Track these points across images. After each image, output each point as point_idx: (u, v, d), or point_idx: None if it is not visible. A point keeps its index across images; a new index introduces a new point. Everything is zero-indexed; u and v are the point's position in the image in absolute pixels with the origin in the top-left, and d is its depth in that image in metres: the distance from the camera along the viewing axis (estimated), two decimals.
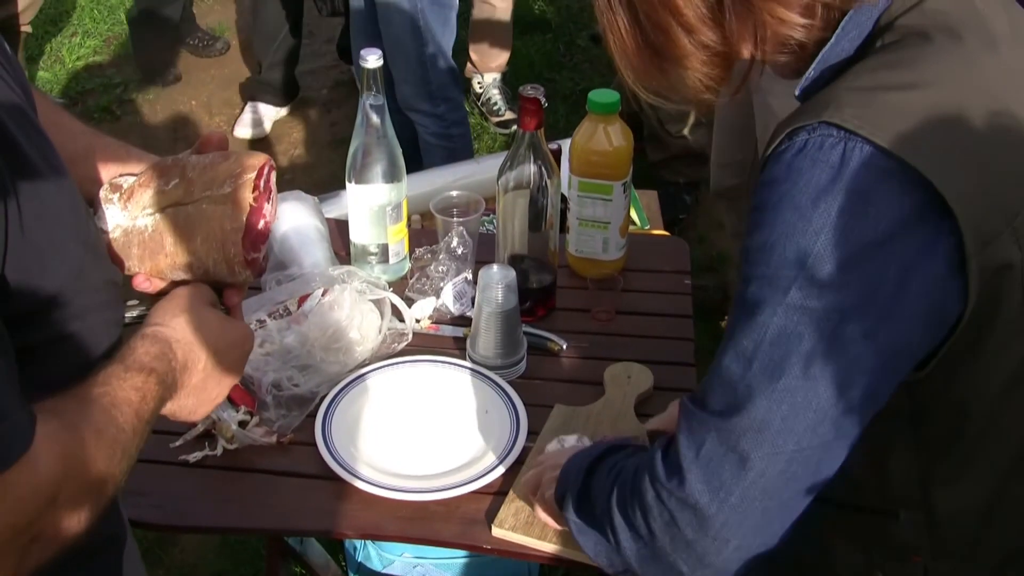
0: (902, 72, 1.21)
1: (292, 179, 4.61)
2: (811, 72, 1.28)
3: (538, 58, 5.31)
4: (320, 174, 4.59)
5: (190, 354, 1.26)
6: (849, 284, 1.15)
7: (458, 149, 3.75)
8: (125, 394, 1.14)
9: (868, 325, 1.15)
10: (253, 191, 1.36)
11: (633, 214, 2.76)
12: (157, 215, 1.39)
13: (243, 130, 4.85)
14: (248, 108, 4.91)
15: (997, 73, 1.25)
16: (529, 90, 1.96)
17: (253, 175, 1.36)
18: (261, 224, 1.38)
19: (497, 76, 4.89)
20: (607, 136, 2.08)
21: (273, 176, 1.42)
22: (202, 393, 1.31)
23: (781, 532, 1.24)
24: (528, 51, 5.38)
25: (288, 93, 4.98)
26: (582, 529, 1.42)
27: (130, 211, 1.39)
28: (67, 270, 1.13)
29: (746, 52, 1.29)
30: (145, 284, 1.41)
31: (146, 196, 1.39)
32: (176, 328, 1.27)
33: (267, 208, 1.40)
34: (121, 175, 1.43)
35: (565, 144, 2.19)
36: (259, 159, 1.39)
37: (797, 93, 1.31)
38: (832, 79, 1.26)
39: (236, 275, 1.38)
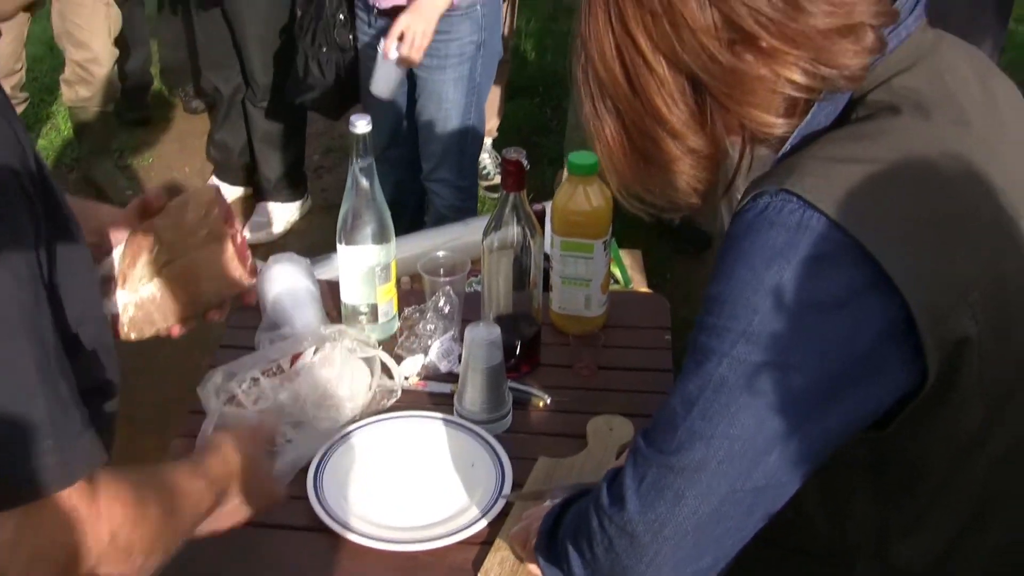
0: (867, 146, 1.27)
1: (285, 244, 4.69)
2: (786, 148, 1.33)
3: (525, 122, 5.41)
4: (313, 239, 4.66)
5: (236, 488, 1.45)
6: (793, 344, 1.21)
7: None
8: (189, 487, 1.26)
9: (808, 384, 1.21)
10: (224, 221, 1.48)
11: (616, 272, 2.83)
12: (156, 280, 1.49)
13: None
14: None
15: (965, 149, 1.30)
16: (511, 153, 2.04)
17: (216, 209, 1.48)
18: (239, 238, 1.53)
19: (488, 141, 4.98)
20: (587, 196, 2.15)
21: (222, 192, 1.58)
22: (217, 520, 1.46)
23: (715, 564, 1.30)
24: (516, 115, 5.47)
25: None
26: (546, 567, 1.48)
27: (130, 287, 1.50)
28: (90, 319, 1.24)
29: (732, 152, 1.35)
30: (178, 331, 1.62)
31: (139, 270, 1.50)
32: (240, 462, 1.45)
33: (236, 224, 1.56)
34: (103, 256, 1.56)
35: (550, 205, 2.27)
36: (209, 192, 1.53)
37: (773, 160, 1.36)
38: (805, 144, 1.31)
39: (244, 285, 1.61)
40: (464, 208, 3.86)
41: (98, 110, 4.88)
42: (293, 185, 4.87)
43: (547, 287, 2.29)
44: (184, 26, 5.27)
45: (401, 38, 3.41)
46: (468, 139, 3.75)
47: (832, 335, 1.21)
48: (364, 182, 2.14)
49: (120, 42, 4.88)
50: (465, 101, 3.57)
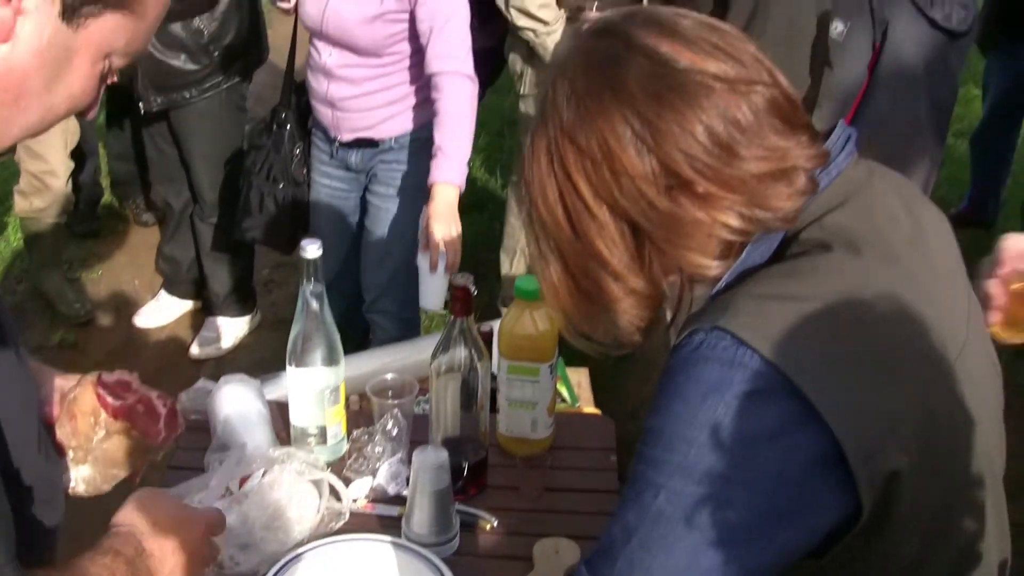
0: (798, 283, 1.33)
1: (234, 359, 4.70)
2: (721, 285, 1.38)
3: (475, 238, 5.47)
4: (262, 353, 4.69)
5: (157, 541, 1.39)
6: (728, 477, 1.25)
7: None
8: (96, 570, 1.25)
9: (744, 517, 1.26)
10: (116, 416, 1.57)
11: (564, 391, 2.87)
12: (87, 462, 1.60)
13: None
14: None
15: (894, 284, 1.36)
16: (459, 279, 2.09)
17: (102, 414, 1.57)
18: (155, 403, 1.60)
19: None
20: (533, 321, 2.20)
21: (107, 377, 1.67)
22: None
23: None
24: (465, 231, 5.51)
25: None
26: None
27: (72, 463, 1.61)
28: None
29: (669, 292, 1.40)
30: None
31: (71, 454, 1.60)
32: (136, 522, 1.40)
33: (141, 393, 1.62)
34: None
35: (498, 324, 2.32)
36: (89, 400, 1.63)
37: (708, 297, 1.41)
38: (741, 280, 1.36)
39: (166, 447, 1.73)
40: (406, 338, 3.80)
41: (52, 221, 4.90)
42: (242, 300, 4.90)
43: (494, 409, 2.32)
44: (133, 139, 5.32)
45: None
46: (413, 273, 3.78)
47: (765, 468, 1.25)
48: (315, 305, 2.17)
49: (75, 154, 4.92)
50: (413, 233, 3.63)
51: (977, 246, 5.31)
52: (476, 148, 6.37)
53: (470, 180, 6.02)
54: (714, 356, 1.27)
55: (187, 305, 5.07)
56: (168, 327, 5.03)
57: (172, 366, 4.73)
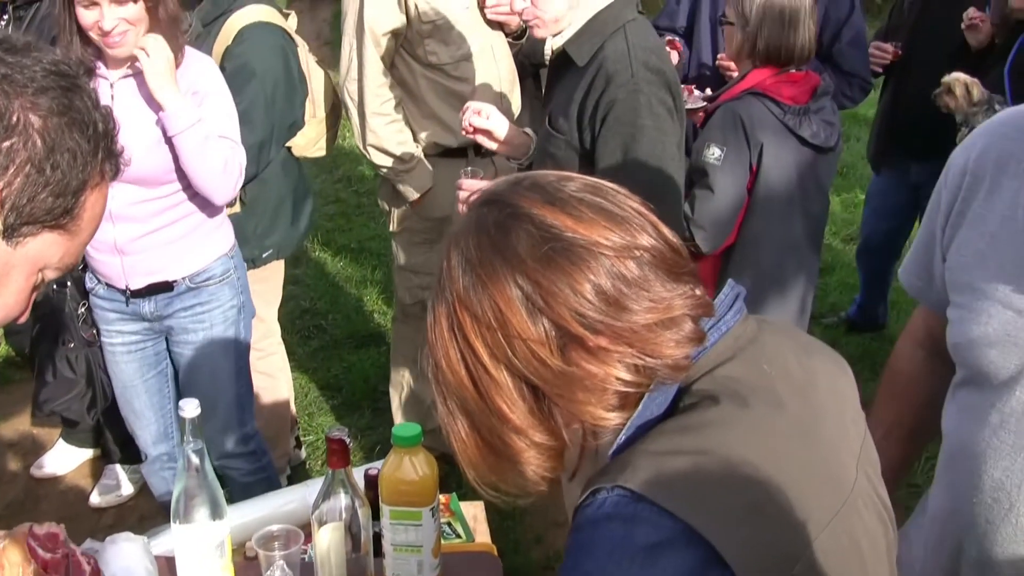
0: (692, 437, 1.39)
1: (136, 505, 4.70)
2: (621, 439, 1.43)
3: (372, 372, 5.53)
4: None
5: None
6: None
7: (271, 477, 3.87)
8: None
9: None
10: (46, 568, 1.61)
11: (459, 527, 2.90)
12: None
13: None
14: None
15: (781, 433, 1.43)
16: (334, 432, 2.14)
17: (31, 565, 1.62)
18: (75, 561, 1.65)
19: None
20: (413, 466, 2.25)
21: (38, 529, 1.70)
22: None
23: None
24: (363, 365, 5.59)
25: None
26: None
27: None
28: None
29: (574, 444, 1.45)
30: None
31: None
32: None
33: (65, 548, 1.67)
34: None
35: None
36: (18, 551, 1.65)
37: (609, 454, 1.45)
38: (639, 437, 1.42)
39: None
40: (261, 468, 3.85)
41: None
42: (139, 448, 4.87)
43: (379, 553, 2.36)
44: None
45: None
46: (246, 407, 3.77)
47: None
48: (196, 461, 2.20)
49: None
50: (236, 367, 3.64)
51: (869, 350, 5.49)
52: (372, 282, 6.51)
53: (366, 314, 6.14)
54: (616, 513, 1.34)
55: (86, 454, 5.03)
56: (68, 476, 4.99)
57: (74, 516, 4.68)
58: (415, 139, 4.29)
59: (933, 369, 2.19)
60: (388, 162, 4.25)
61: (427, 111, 4.23)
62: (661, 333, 1.40)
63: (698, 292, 1.47)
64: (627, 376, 1.40)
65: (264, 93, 3.83)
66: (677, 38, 4.92)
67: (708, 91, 4.56)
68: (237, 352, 3.71)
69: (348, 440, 2.14)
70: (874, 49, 5.26)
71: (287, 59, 4.06)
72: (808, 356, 1.58)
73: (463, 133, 3.48)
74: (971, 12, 4.99)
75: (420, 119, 4.26)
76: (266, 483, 3.75)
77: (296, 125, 4.23)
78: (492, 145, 3.45)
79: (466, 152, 4.28)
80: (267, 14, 4.04)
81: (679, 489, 1.33)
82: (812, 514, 1.39)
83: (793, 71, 3.73)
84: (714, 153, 3.59)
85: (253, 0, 4.05)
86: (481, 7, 4.22)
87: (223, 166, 3.38)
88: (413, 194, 4.31)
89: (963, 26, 5.01)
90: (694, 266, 1.49)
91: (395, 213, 4.46)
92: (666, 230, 1.48)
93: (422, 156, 4.28)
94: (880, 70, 5.30)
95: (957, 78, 4.79)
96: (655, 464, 1.36)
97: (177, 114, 3.26)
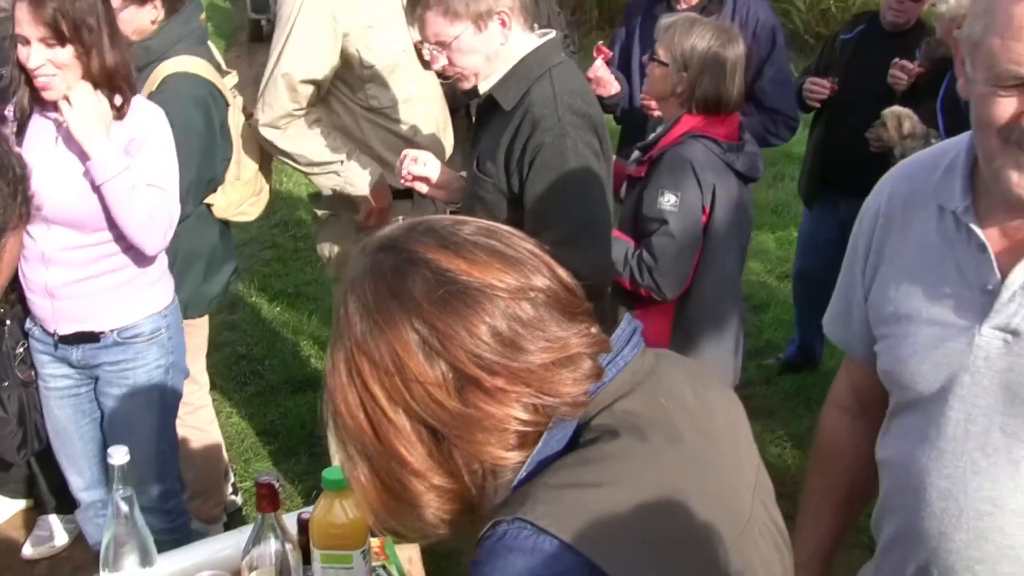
0: (591, 470, 1.41)
1: (70, 556, 4.65)
2: (523, 473, 1.45)
3: (309, 417, 5.50)
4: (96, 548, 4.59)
5: None
6: None
7: (181, 540, 3.82)
8: None
9: None
10: None
11: (394, 570, 2.90)
12: None
13: None
14: None
15: (678, 465, 1.46)
16: (264, 477, 2.14)
17: None
18: None
19: None
20: (343, 509, 2.25)
21: None
22: None
23: None
24: (299, 410, 5.57)
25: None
26: None
27: None
28: None
29: (474, 485, 1.46)
30: None
31: None
32: None
33: None
34: None
35: None
36: None
37: (511, 487, 1.46)
38: (540, 471, 1.44)
39: None
40: (174, 528, 3.82)
41: None
42: (73, 497, 4.81)
43: None
44: None
45: None
46: (166, 464, 3.76)
47: None
48: (125, 509, 2.20)
49: None
50: (159, 425, 3.62)
51: (804, 386, 5.55)
52: (309, 327, 6.49)
53: (302, 359, 6.13)
54: (516, 546, 1.35)
55: (19, 504, 4.95)
56: (0, 528, 4.92)
57: (5, 568, 4.61)
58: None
59: (859, 430, 2.26)
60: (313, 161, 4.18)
61: (372, 154, 4.21)
62: (558, 372, 1.43)
63: (594, 330, 1.50)
64: (525, 416, 1.41)
65: (180, 144, 3.72)
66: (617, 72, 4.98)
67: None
68: (161, 410, 3.68)
69: (278, 485, 2.14)
70: (811, 84, 5.34)
71: (208, 112, 4.01)
72: (704, 388, 1.62)
73: (401, 182, 3.50)
74: (897, 63, 5.08)
75: (366, 162, 4.22)
76: (176, 545, 3.74)
77: (215, 181, 4.18)
78: (432, 191, 3.47)
79: (411, 193, 4.27)
80: (196, 66, 4.02)
81: (579, 523, 1.35)
82: (709, 545, 1.42)
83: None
84: (669, 200, 3.60)
85: (188, 49, 4.04)
86: (417, 48, 4.24)
87: (148, 215, 3.36)
88: (364, 189, 4.18)
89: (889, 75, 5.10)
90: (589, 305, 1.52)
91: (333, 259, 4.44)
92: (561, 271, 1.51)
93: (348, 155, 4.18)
94: (817, 104, 5.37)
95: (892, 111, 4.87)
96: (555, 497, 1.38)
97: (103, 163, 3.25)
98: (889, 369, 2.02)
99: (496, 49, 3.09)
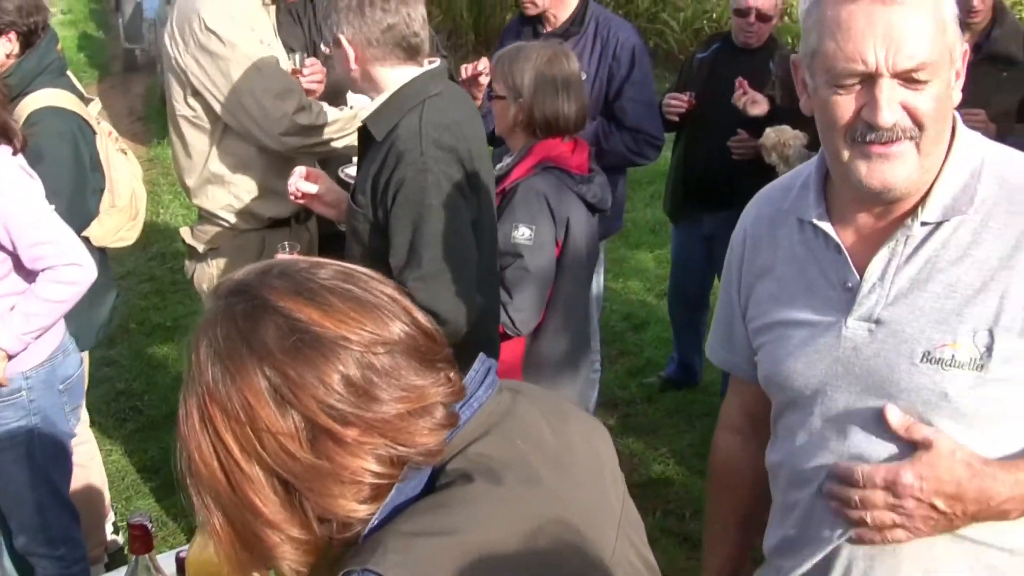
0: (444, 516, 1.39)
1: None
2: (374, 521, 1.42)
3: None
4: None
5: None
6: None
7: None
8: None
9: None
10: None
11: None
12: None
13: None
14: None
15: (536, 507, 1.45)
16: (136, 517, 2.12)
17: None
18: None
19: None
20: None
21: None
22: None
23: None
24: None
25: None
26: None
27: None
28: None
29: (327, 537, 1.44)
30: None
31: None
32: None
33: None
34: None
35: None
36: None
37: (362, 535, 1.44)
38: (393, 516, 1.41)
39: None
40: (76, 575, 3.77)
41: None
42: None
43: None
44: None
45: None
46: (49, 513, 3.71)
47: None
48: None
49: None
50: (32, 477, 3.58)
51: (684, 403, 5.66)
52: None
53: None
54: None
55: None
56: None
57: None
58: (247, 212, 4.20)
59: (752, 450, 2.31)
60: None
61: (262, 183, 4.17)
62: (414, 422, 1.42)
63: (452, 377, 1.49)
64: (379, 468, 1.40)
65: (51, 180, 3.69)
66: None
67: None
68: (31, 464, 3.64)
69: (150, 525, 2.12)
70: (668, 99, 5.47)
71: (76, 147, 3.98)
72: (563, 422, 1.61)
73: (291, 198, 3.47)
74: (740, 93, 5.21)
75: (254, 191, 4.19)
76: None
77: (89, 214, 4.13)
78: (321, 210, 3.45)
79: (288, 221, 4.26)
80: (60, 99, 3.97)
81: (431, 571, 1.34)
82: None
83: (569, 140, 3.79)
84: (524, 233, 3.59)
85: (49, 82, 3.98)
86: (294, 73, 4.23)
87: (56, 297, 3.43)
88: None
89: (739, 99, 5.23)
90: (448, 351, 1.51)
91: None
92: (420, 316, 1.50)
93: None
94: (676, 118, 5.48)
95: (773, 132, 5.01)
96: (407, 545, 1.36)
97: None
98: (768, 373, 2.12)
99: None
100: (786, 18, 12.64)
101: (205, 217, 4.28)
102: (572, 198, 3.73)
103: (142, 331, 6.91)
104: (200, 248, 4.29)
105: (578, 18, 4.94)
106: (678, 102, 5.44)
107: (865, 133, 1.83)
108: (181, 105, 4.11)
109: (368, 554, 1.36)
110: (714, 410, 5.72)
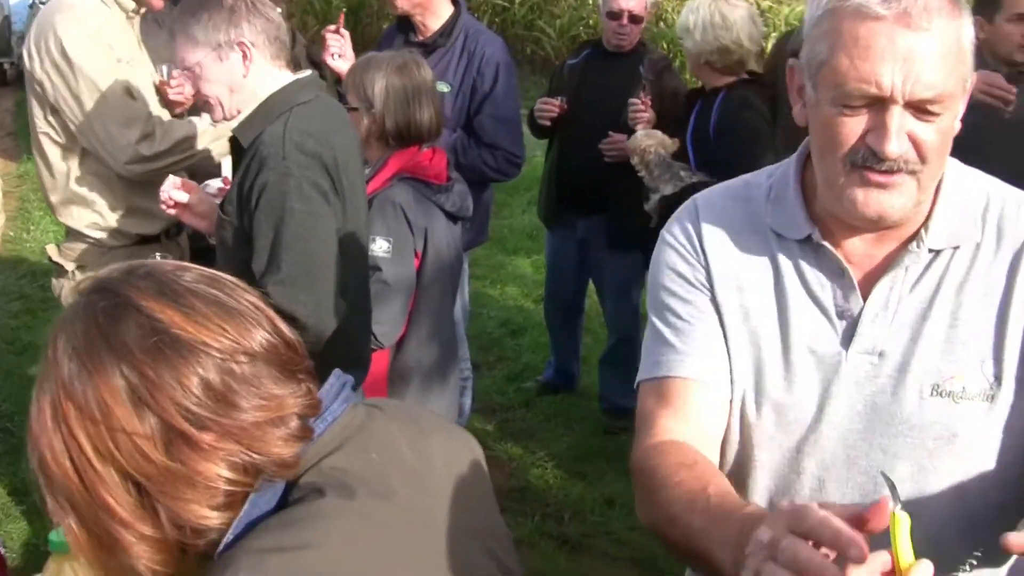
0: (296, 532, 1.38)
1: None
2: (228, 537, 1.41)
3: None
4: None
5: None
6: None
7: None
8: None
9: None
10: None
11: None
12: None
13: None
14: None
15: (390, 521, 1.45)
16: None
17: None
18: None
19: None
20: (73, 573, 2.20)
21: None
22: None
23: None
24: None
25: None
26: None
27: None
28: None
29: (180, 542, 1.42)
30: None
31: None
32: None
33: None
34: None
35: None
36: None
37: (216, 553, 1.42)
38: (246, 533, 1.40)
39: None
40: None
41: None
42: None
43: None
44: None
45: None
46: None
47: None
48: None
49: None
50: None
51: (562, 407, 5.69)
52: None
53: None
54: None
55: None
56: None
57: None
58: (114, 230, 4.13)
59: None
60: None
61: (126, 202, 4.11)
62: (269, 431, 1.41)
63: (311, 388, 1.49)
64: (232, 475, 1.39)
65: None
66: None
67: None
68: None
69: (3, 551, 2.09)
70: (540, 104, 5.56)
71: None
72: (424, 439, 1.61)
73: (162, 206, 3.42)
74: (632, 103, 5.25)
75: (120, 209, 4.11)
76: None
77: None
78: (192, 221, 3.42)
79: (159, 237, 4.20)
80: None
81: None
82: None
83: (426, 148, 3.79)
84: (382, 246, 3.57)
85: None
86: (158, 88, 4.19)
87: None
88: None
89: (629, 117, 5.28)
90: (309, 363, 1.51)
91: None
92: (283, 325, 1.50)
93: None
94: (547, 123, 5.54)
95: (640, 137, 5.04)
96: (258, 562, 1.35)
97: None
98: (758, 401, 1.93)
99: (239, 81, 3.10)
100: (661, 24, 12.86)
101: (72, 234, 4.20)
102: (431, 208, 3.74)
103: (12, 351, 6.76)
104: (68, 266, 4.21)
105: (447, 29, 4.93)
106: (549, 107, 5.51)
107: (866, 159, 1.70)
108: (41, 122, 4.04)
109: (220, 572, 1.35)
110: (592, 414, 5.87)
